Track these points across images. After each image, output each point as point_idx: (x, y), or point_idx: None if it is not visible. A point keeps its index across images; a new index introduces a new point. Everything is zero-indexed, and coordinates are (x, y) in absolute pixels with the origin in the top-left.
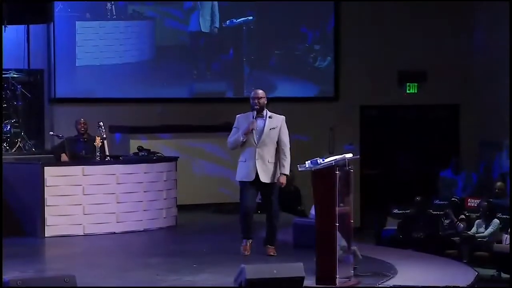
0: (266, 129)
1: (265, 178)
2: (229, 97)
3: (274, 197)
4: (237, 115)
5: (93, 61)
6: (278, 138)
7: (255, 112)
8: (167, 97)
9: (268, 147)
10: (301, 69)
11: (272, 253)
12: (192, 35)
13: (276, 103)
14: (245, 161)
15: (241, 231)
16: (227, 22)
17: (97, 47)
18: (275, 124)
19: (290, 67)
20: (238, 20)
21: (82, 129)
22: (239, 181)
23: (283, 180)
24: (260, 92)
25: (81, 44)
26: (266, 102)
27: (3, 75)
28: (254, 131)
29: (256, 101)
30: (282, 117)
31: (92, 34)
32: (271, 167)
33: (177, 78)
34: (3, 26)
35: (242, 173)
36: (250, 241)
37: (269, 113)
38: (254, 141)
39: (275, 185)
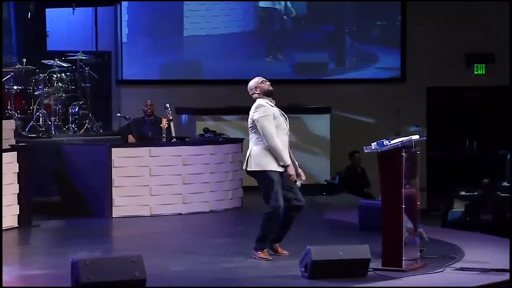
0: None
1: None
2: (293, 79)
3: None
4: (262, 102)
5: (199, 31)
6: None
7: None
8: (267, 70)
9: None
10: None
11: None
12: (293, 5)
13: (342, 85)
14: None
15: (265, 234)
16: None
17: (204, 18)
18: None
19: (392, 39)
20: None
21: (149, 110)
22: (269, 171)
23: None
24: None
25: (189, 15)
26: None
27: (71, 57)
28: (284, 119)
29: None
30: None
31: (200, 4)
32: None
33: (279, 49)
34: (72, 9)
35: (275, 163)
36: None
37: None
38: (286, 130)
39: None
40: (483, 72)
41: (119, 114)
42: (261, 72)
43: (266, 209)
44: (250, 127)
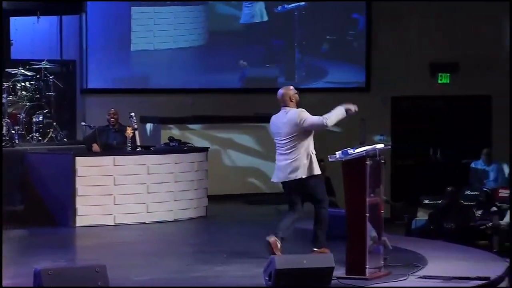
0: None
1: None
2: (260, 88)
3: None
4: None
5: (146, 46)
6: None
7: None
8: (218, 84)
9: None
10: (353, 55)
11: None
12: (243, 20)
13: (308, 94)
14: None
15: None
16: (279, 7)
17: (151, 32)
18: None
19: (342, 53)
20: (290, 6)
21: (112, 119)
22: (318, 175)
23: None
24: None
25: (136, 29)
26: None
27: (35, 65)
28: None
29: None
30: None
31: (147, 19)
32: None
33: (229, 64)
34: (36, 18)
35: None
36: None
37: None
38: None
39: None
40: (448, 81)
41: (83, 123)
42: (211, 86)
43: (324, 207)
44: (288, 138)
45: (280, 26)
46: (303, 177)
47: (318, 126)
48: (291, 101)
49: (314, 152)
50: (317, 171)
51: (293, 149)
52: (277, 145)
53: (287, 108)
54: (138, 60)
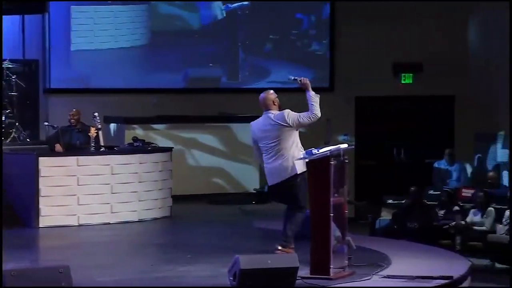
0: None
1: None
2: (224, 88)
3: None
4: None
5: (87, 46)
6: None
7: None
8: (161, 83)
9: None
10: (296, 55)
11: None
12: (187, 20)
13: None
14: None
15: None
16: (222, 7)
17: (91, 32)
18: None
19: (285, 53)
20: (233, 5)
21: (72, 120)
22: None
23: None
24: None
25: (76, 28)
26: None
27: None
28: None
29: None
30: None
31: (87, 18)
32: None
33: (172, 64)
34: None
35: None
36: None
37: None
38: None
39: None
40: (411, 82)
41: (46, 123)
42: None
43: (302, 212)
44: (279, 139)
45: (224, 25)
46: (298, 172)
47: (310, 121)
48: (274, 105)
49: (302, 149)
50: (302, 170)
51: (283, 150)
52: (265, 149)
53: (271, 112)
54: (77, 60)
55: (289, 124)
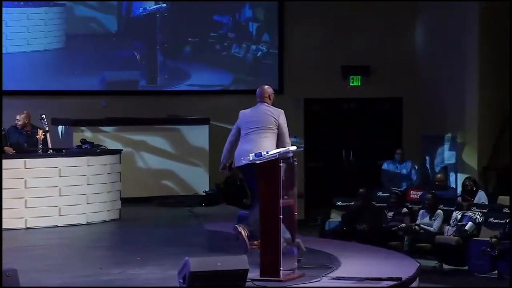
0: None
1: None
2: (172, 90)
3: None
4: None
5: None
6: None
7: None
8: (77, 87)
9: None
10: (215, 58)
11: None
12: (103, 22)
13: (219, 96)
14: None
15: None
16: (140, 9)
17: (4, 34)
18: None
19: (204, 56)
20: (151, 8)
21: (18, 124)
22: None
23: None
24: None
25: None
26: None
27: None
28: None
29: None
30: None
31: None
32: None
33: (88, 67)
34: None
35: None
36: None
37: None
38: None
39: None
40: (359, 84)
41: None
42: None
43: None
44: (265, 127)
45: (141, 28)
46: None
47: (285, 138)
48: (269, 99)
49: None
50: None
51: (262, 138)
52: (245, 132)
53: (266, 104)
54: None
55: (279, 121)
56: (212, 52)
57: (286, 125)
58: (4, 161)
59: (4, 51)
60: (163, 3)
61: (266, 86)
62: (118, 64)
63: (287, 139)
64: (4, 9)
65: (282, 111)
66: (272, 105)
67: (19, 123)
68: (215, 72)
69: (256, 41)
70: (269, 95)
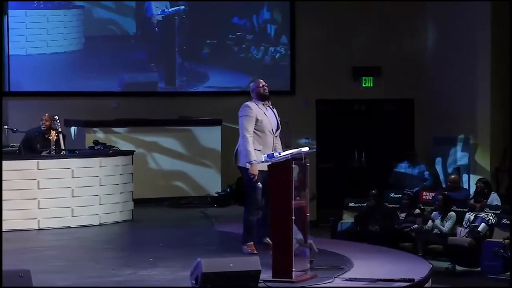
0: (278, 119)
1: None
2: (189, 91)
3: None
4: (248, 103)
5: (19, 51)
6: None
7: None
8: (97, 89)
9: (278, 138)
10: (233, 60)
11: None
12: (122, 24)
13: (232, 98)
14: (260, 150)
15: (247, 233)
16: (159, 11)
17: (23, 37)
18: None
19: (222, 58)
20: (169, 10)
21: (44, 126)
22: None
23: None
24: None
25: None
26: None
27: None
28: (270, 121)
29: (267, 89)
30: None
31: (19, 23)
32: None
33: (107, 69)
34: None
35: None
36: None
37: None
38: (272, 131)
39: None
40: (371, 85)
41: (6, 127)
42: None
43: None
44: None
45: (160, 30)
46: (239, 165)
47: (240, 134)
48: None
49: (260, 149)
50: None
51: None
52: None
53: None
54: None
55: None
56: (230, 54)
57: (242, 118)
58: (16, 161)
59: (23, 53)
60: (182, 6)
61: (255, 83)
62: (136, 66)
63: (240, 136)
64: (24, 11)
65: (246, 102)
66: (253, 99)
67: (47, 123)
68: (233, 74)
69: (274, 43)
70: (251, 93)
